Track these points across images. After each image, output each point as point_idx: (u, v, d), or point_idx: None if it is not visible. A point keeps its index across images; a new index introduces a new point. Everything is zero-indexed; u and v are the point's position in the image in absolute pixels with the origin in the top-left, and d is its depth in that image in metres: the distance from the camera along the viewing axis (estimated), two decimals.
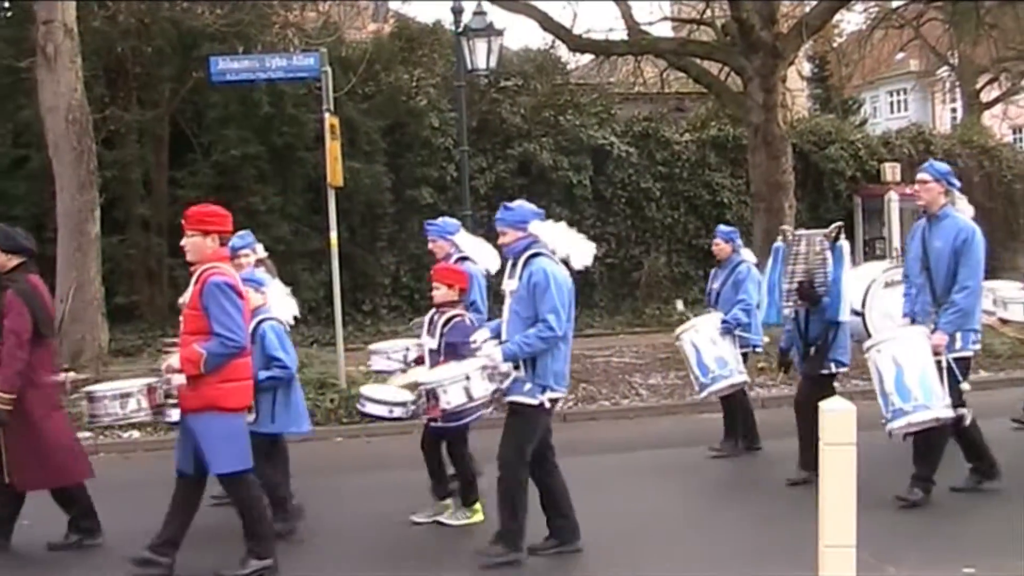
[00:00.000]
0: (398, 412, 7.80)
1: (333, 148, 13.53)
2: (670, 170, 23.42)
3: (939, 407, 7.90)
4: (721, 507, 8.89)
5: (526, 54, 24.45)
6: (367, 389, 8.29)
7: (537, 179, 21.90)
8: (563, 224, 7.36)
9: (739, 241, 10.75)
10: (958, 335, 8.11)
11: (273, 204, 19.65)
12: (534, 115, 22.51)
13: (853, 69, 31.94)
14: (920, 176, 8.46)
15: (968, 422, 8.18)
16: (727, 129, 23.81)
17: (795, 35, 18.02)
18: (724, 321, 10.16)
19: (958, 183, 8.51)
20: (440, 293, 8.24)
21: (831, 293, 9.04)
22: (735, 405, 10.54)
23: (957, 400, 8.01)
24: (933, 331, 8.08)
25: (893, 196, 23.85)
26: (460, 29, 16.42)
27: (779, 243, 9.36)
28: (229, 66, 14.14)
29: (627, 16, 19.23)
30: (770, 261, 9.49)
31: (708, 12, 21.27)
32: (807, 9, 21.24)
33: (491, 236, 19.71)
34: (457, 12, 16.62)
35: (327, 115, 13.53)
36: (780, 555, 7.06)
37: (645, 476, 9.93)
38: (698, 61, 19.59)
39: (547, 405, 7.05)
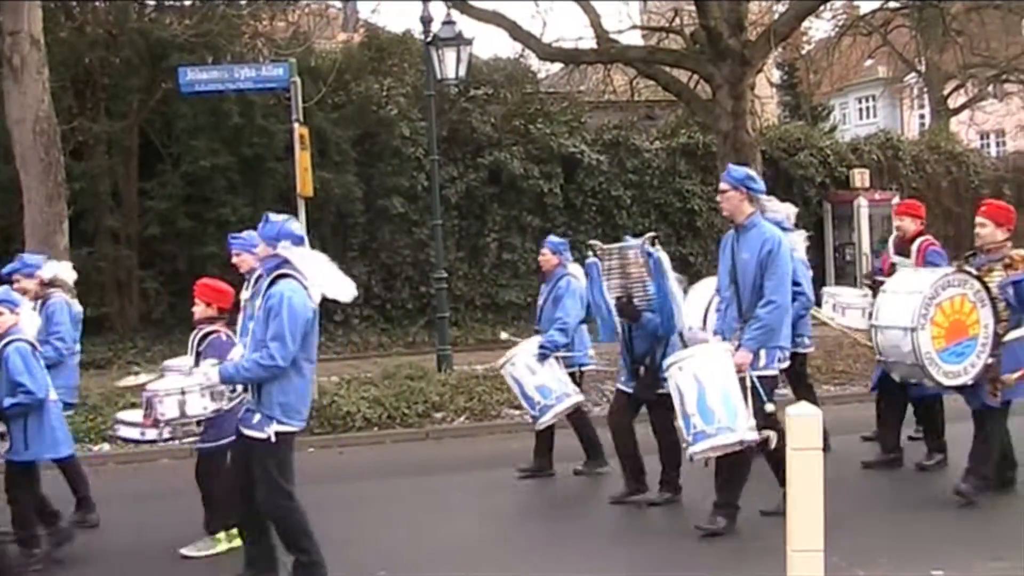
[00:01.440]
0: (151, 435, 7.29)
1: (303, 158, 13.50)
2: (640, 178, 23.48)
3: (743, 429, 7.50)
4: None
5: (496, 63, 24.47)
6: (122, 413, 7.91)
7: (508, 188, 21.92)
8: (323, 256, 6.92)
9: (568, 254, 10.27)
10: (762, 352, 7.71)
11: (243, 215, 19.55)
12: (504, 124, 22.55)
13: (822, 76, 32.16)
14: (720, 185, 8.02)
15: (773, 444, 7.58)
16: (697, 136, 23.90)
17: (763, 42, 18.08)
18: (541, 346, 9.63)
19: (761, 186, 8.00)
20: (199, 310, 7.94)
21: (656, 307, 8.70)
22: (581, 425, 10.14)
23: (763, 421, 7.56)
24: (737, 348, 7.71)
25: (862, 202, 23.99)
26: (429, 39, 16.42)
27: (592, 259, 9.00)
28: (198, 76, 14.10)
29: (596, 25, 19.27)
30: (585, 280, 9.24)
31: (677, 20, 21.31)
32: (775, 16, 21.34)
33: (462, 245, 19.56)
34: (426, 22, 16.62)
35: (297, 125, 13.51)
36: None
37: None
38: (667, 69, 19.63)
39: (273, 439, 6.55)
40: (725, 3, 17.59)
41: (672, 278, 8.72)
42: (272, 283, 6.63)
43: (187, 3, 20.13)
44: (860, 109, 55.65)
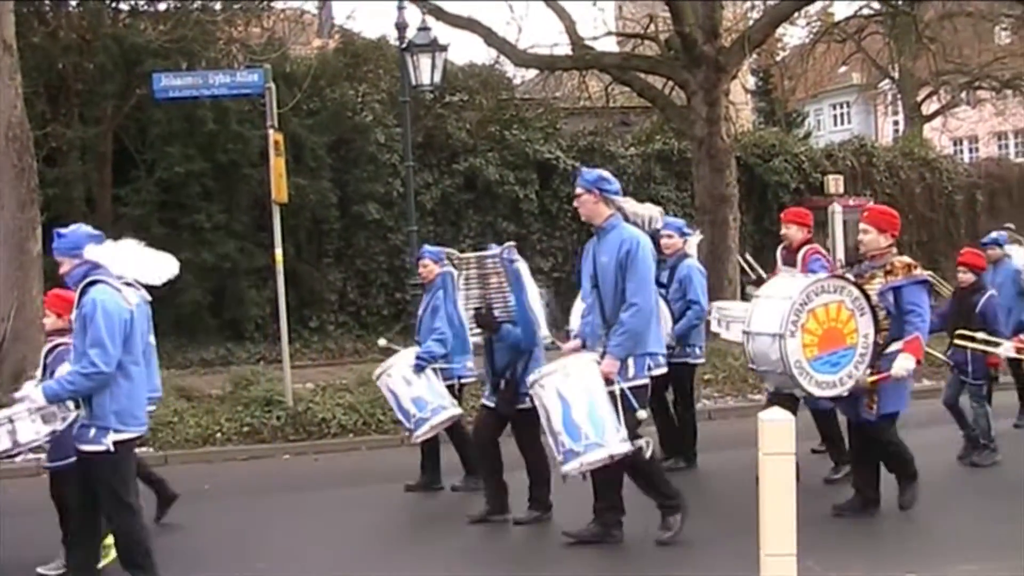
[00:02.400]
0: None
1: (278, 164, 13.47)
2: None
3: (614, 443, 7.22)
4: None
5: (471, 69, 24.48)
6: None
7: (483, 194, 21.93)
8: (131, 243, 6.74)
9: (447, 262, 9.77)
10: (630, 361, 7.41)
11: (218, 221, 19.55)
12: (480, 130, 22.55)
13: (796, 82, 32.34)
14: (576, 190, 7.78)
15: (649, 454, 7.45)
16: (672, 143, 23.95)
17: (738, 49, 18.16)
18: (418, 357, 9.23)
19: (615, 188, 7.73)
20: (49, 322, 7.72)
21: (516, 319, 8.28)
22: (459, 439, 9.75)
23: (634, 432, 7.31)
24: (603, 356, 7.41)
25: (837, 208, 24.09)
26: (404, 45, 16.42)
27: (447, 268, 8.80)
28: (172, 83, 14.05)
29: (571, 31, 19.32)
30: (440, 292, 9.02)
31: (652, 27, 21.39)
32: (750, 23, 21.44)
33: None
34: (401, 28, 16.62)
35: (272, 131, 13.48)
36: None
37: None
38: (642, 75, 19.71)
39: (112, 449, 6.29)
40: (700, 10, 17.67)
41: (532, 289, 8.33)
42: (83, 292, 6.40)
43: (161, 8, 20.06)
44: (834, 115, 55.92)
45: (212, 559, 7.28)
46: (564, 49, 20.03)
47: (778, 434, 5.40)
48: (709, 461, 10.24)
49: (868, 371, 7.90)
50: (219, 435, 12.48)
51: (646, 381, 7.52)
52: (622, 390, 7.30)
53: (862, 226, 8.28)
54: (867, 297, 7.94)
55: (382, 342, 10.53)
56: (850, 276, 8.17)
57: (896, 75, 36.63)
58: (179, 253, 19.56)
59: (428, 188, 21.43)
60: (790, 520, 5.34)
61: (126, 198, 19.23)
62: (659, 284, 9.09)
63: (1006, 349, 9.58)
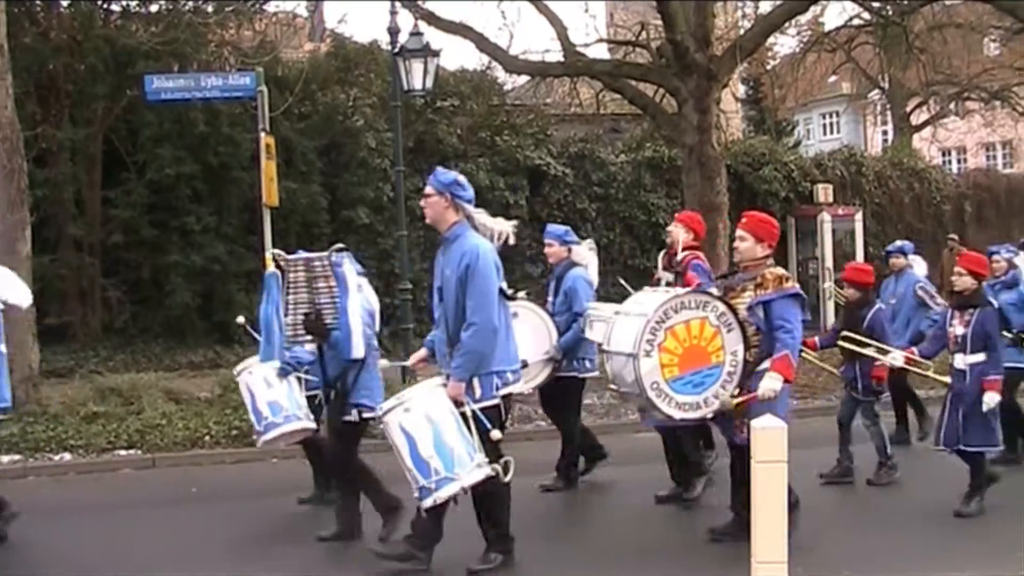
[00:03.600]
0: None
1: (269, 168, 13.48)
2: (606, 191, 23.54)
3: (467, 472, 6.84)
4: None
5: (463, 75, 24.47)
6: None
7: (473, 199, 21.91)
8: None
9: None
10: (476, 381, 7.02)
11: (208, 224, 19.50)
12: (470, 135, 22.55)
13: (786, 91, 32.39)
14: (426, 189, 7.42)
15: (508, 477, 7.05)
16: (662, 150, 23.98)
17: (729, 57, 18.18)
18: (284, 361, 8.54)
19: (469, 195, 7.38)
20: None
21: (340, 326, 7.85)
22: (314, 453, 9.53)
23: (492, 454, 6.98)
24: (449, 378, 7.05)
25: (826, 217, 24.13)
26: (396, 50, 16.41)
27: (271, 270, 8.18)
28: (164, 85, 14.07)
29: (563, 38, 19.33)
30: (264, 293, 8.15)
31: (643, 34, 21.42)
32: (741, 32, 21.48)
33: (427, 256, 19.73)
34: (394, 33, 16.61)
35: (263, 135, 13.49)
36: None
37: (581, 496, 9.97)
38: (633, 83, 19.72)
39: None
40: (692, 18, 17.70)
41: (355, 296, 7.90)
42: None
43: (153, 10, 20.02)
44: (824, 125, 56.10)
45: (203, 563, 7.27)
46: (556, 56, 20.07)
47: (770, 442, 5.42)
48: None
49: (736, 391, 7.58)
50: (208, 438, 12.47)
51: (496, 402, 7.11)
52: (473, 412, 6.94)
53: (739, 233, 7.86)
54: (735, 312, 7.63)
55: (240, 319, 10.35)
56: (714, 290, 7.86)
57: (886, 85, 36.80)
58: (168, 255, 19.71)
59: (419, 193, 21.17)
60: (781, 527, 5.36)
61: (116, 200, 19.18)
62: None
63: (894, 358, 9.34)
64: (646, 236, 23.56)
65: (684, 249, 9.25)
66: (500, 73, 24.09)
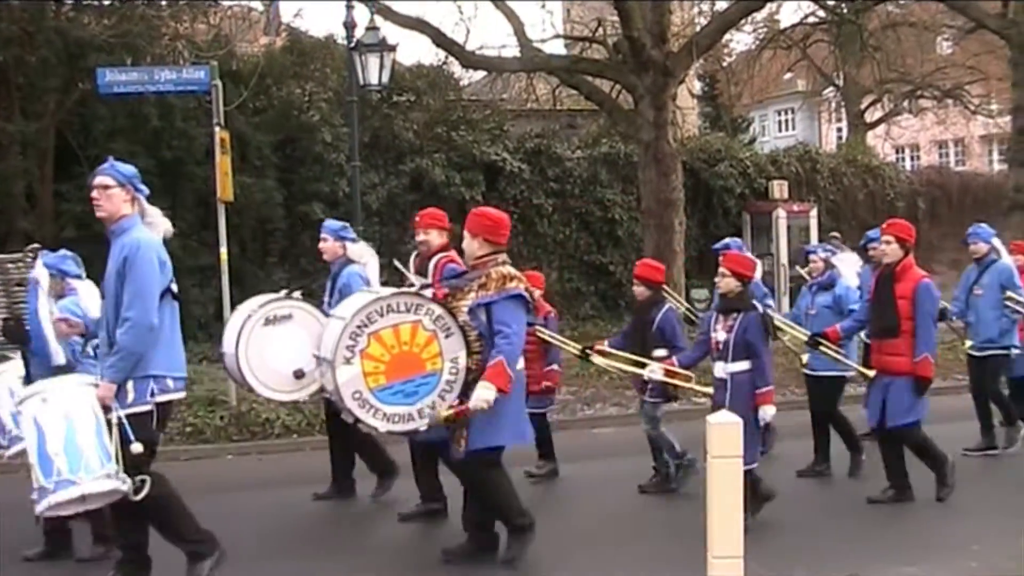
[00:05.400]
0: None
1: (223, 163, 13.39)
2: (562, 186, 23.55)
3: (92, 480, 6.14)
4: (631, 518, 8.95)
5: (419, 70, 24.40)
6: None
7: (429, 195, 21.83)
8: None
9: None
10: (130, 384, 6.42)
11: None
12: (426, 131, 22.48)
13: (742, 88, 32.55)
14: (100, 179, 6.70)
15: (139, 496, 6.29)
16: (618, 146, 24.01)
17: (685, 54, 18.26)
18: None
19: (146, 190, 6.92)
20: None
21: (32, 332, 7.35)
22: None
23: (132, 468, 6.27)
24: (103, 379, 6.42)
25: (781, 213, 24.26)
26: (352, 44, 16.35)
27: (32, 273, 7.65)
28: (117, 78, 13.93)
29: (520, 33, 19.34)
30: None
31: (600, 30, 21.45)
32: (698, 28, 21.56)
33: (382, 252, 19.64)
34: (349, 27, 16.55)
35: (217, 129, 13.40)
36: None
37: (540, 490, 9.98)
38: (590, 79, 19.76)
39: None
40: (648, 14, 17.75)
41: (44, 299, 7.28)
42: None
43: (106, 3, 19.79)
44: (779, 122, 56.45)
45: (153, 560, 7.18)
46: (512, 51, 20.08)
47: (726, 437, 5.43)
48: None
49: (457, 401, 7.07)
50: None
51: (148, 408, 6.51)
52: (119, 419, 6.32)
53: (467, 232, 7.30)
54: (454, 315, 7.12)
55: None
56: (427, 293, 7.33)
57: (840, 83, 37.10)
58: None
59: (374, 188, 21.33)
60: (737, 523, 5.38)
61: (68, 194, 18.96)
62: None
63: (652, 371, 8.83)
64: (602, 232, 23.60)
65: (438, 251, 8.42)
66: (456, 68, 24.09)
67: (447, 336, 7.07)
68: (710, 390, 8.52)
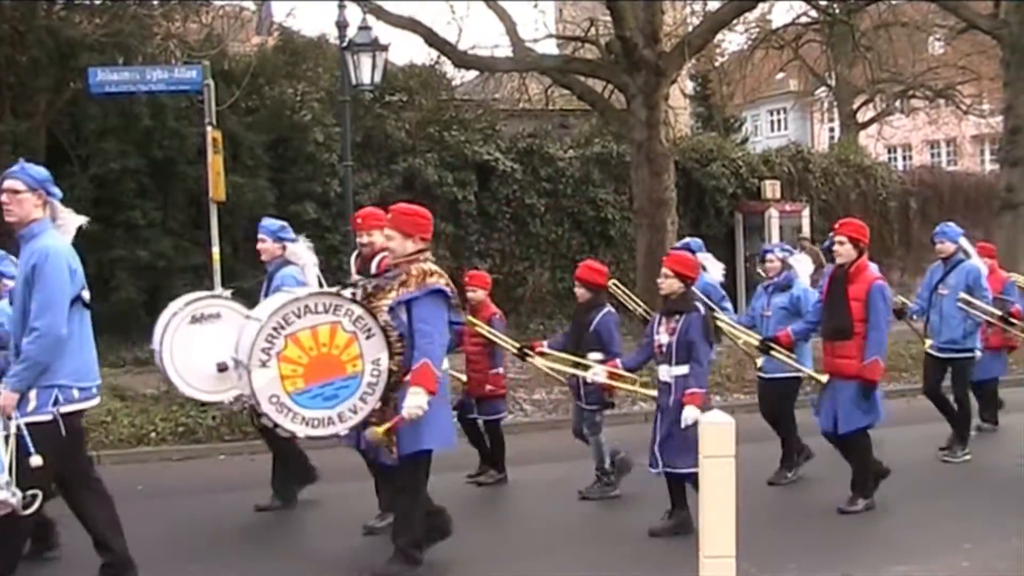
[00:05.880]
0: None
1: (215, 162, 13.38)
2: (554, 186, 23.54)
3: None
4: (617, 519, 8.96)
5: (411, 69, 24.39)
6: None
7: (421, 194, 21.81)
8: None
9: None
10: (33, 392, 6.28)
11: (154, 219, 19.30)
12: (419, 130, 22.46)
13: (734, 88, 32.59)
14: (9, 183, 6.55)
15: (28, 512, 6.15)
16: (611, 146, 24.00)
17: (678, 54, 18.26)
18: None
19: (58, 192, 6.72)
20: None
21: None
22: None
23: (27, 480, 6.10)
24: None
25: (773, 213, 24.30)
26: (345, 44, 16.34)
27: None
28: (109, 77, 13.91)
29: (512, 33, 19.34)
30: None
31: (592, 30, 21.47)
32: (690, 28, 21.58)
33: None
34: (342, 27, 16.54)
35: (209, 129, 13.38)
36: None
37: (531, 490, 9.98)
38: (582, 78, 19.76)
39: None
40: (640, 14, 17.76)
41: None
42: None
43: (97, 2, 19.73)
44: (771, 121, 56.55)
45: (143, 560, 7.18)
46: (505, 51, 20.07)
47: (718, 437, 5.43)
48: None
49: (379, 404, 6.88)
50: (153, 435, 12.36)
51: (50, 418, 6.32)
52: (19, 428, 6.18)
53: (386, 232, 7.14)
54: (374, 316, 6.87)
55: None
56: (347, 293, 7.12)
57: (832, 83, 37.13)
58: (113, 250, 19.47)
59: (367, 188, 21.30)
60: (729, 522, 5.38)
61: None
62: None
63: (595, 374, 8.63)
64: (594, 232, 23.61)
65: (381, 251, 7.83)
66: (449, 68, 24.06)
67: (368, 337, 6.84)
68: (654, 393, 8.35)
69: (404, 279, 6.86)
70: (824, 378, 8.90)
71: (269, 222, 9.64)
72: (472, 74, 24.67)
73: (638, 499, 9.39)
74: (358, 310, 6.85)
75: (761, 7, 26.71)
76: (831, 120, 45.55)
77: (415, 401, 6.60)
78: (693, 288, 8.39)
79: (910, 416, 12.08)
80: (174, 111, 19.28)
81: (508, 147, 23.36)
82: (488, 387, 9.99)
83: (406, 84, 23.25)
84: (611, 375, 8.60)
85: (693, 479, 7.41)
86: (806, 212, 25.06)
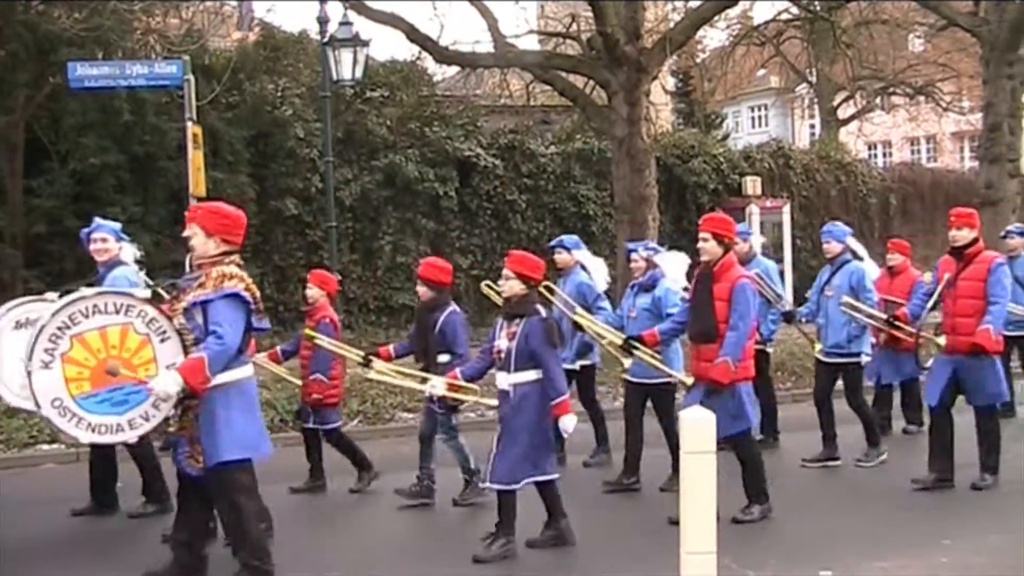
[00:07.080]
0: None
1: (196, 158, 13.36)
2: (535, 182, 23.55)
3: None
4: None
5: (392, 65, 24.36)
6: None
7: (403, 190, 21.83)
8: None
9: None
10: None
11: (133, 214, 19.17)
12: (400, 126, 22.44)
13: (716, 84, 32.68)
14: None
15: None
16: (592, 142, 24.04)
17: (659, 50, 18.26)
18: None
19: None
20: None
21: None
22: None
23: None
24: None
25: (754, 209, 24.35)
26: (326, 39, 16.33)
27: None
28: (88, 72, 13.87)
29: (494, 29, 19.31)
30: None
31: (574, 26, 21.47)
32: (671, 24, 21.58)
33: (356, 247, 19.46)
34: (323, 22, 16.53)
35: (190, 124, 13.37)
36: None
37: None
38: (564, 75, 19.74)
39: None
40: (622, 11, 17.76)
41: None
42: None
43: None
44: (752, 118, 56.66)
45: (130, 558, 7.18)
46: (486, 47, 20.04)
47: (699, 433, 5.44)
48: None
49: (178, 410, 6.55)
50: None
51: None
52: None
53: (190, 228, 6.72)
54: (170, 319, 6.59)
55: None
56: (139, 293, 6.87)
57: (813, 79, 37.26)
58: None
59: (347, 184, 21.28)
60: (710, 518, 5.39)
61: (38, 189, 18.83)
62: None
63: (433, 386, 8.17)
64: (576, 228, 23.51)
65: None
66: (430, 64, 24.06)
67: (162, 340, 6.54)
68: (495, 402, 7.91)
69: (202, 280, 6.50)
70: (690, 381, 8.48)
71: (107, 223, 9.36)
72: (453, 70, 24.64)
73: (625, 493, 9.42)
74: (152, 312, 6.57)
75: (742, 4, 26.76)
76: (812, 117, 45.67)
77: (163, 384, 6.21)
78: (538, 290, 8.06)
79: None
80: (154, 106, 19.19)
81: (489, 143, 23.36)
82: (314, 395, 9.63)
83: (387, 80, 23.23)
84: (451, 386, 8.10)
85: (541, 487, 7.64)
86: (787, 208, 25.13)
